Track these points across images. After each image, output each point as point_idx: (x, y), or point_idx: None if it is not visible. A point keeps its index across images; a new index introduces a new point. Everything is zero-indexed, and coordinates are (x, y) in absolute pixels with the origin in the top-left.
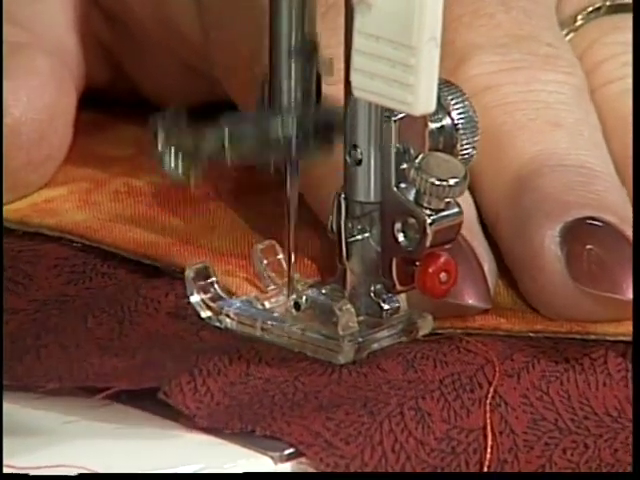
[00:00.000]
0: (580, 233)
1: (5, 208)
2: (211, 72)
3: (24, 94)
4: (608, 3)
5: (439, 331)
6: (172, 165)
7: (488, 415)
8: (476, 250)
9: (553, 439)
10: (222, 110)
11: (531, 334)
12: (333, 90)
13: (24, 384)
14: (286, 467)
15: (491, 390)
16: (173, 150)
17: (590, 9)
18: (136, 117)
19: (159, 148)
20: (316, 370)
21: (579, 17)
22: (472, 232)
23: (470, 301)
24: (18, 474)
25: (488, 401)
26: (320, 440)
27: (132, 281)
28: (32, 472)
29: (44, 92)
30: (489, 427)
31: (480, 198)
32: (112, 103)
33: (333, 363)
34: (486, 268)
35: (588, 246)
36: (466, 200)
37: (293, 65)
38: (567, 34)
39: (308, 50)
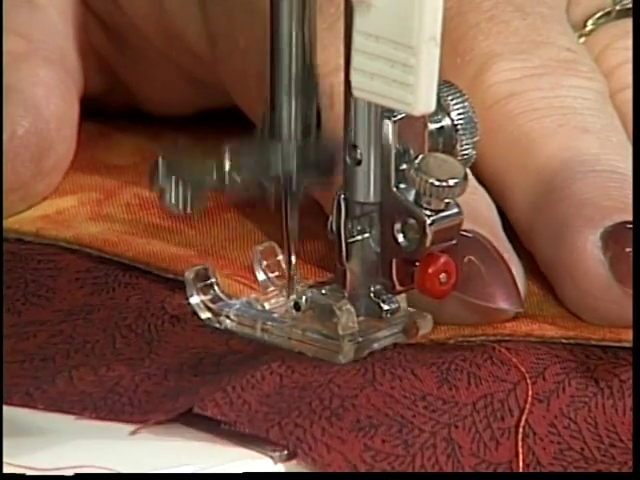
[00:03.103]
0: (621, 237)
1: (17, 219)
2: (218, 83)
3: (32, 105)
4: (618, 7)
5: (471, 339)
6: (172, 200)
7: (520, 448)
8: (504, 255)
9: (579, 469)
10: (222, 118)
11: (564, 340)
12: (333, 121)
13: (58, 408)
14: (286, 467)
15: (522, 420)
16: (174, 184)
17: (599, 14)
18: (135, 126)
19: (159, 182)
20: (349, 371)
21: (589, 22)
22: (498, 237)
23: (502, 304)
24: (18, 474)
25: (520, 437)
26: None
27: (156, 292)
28: (29, 472)
29: (50, 102)
30: (520, 462)
31: (509, 206)
32: (109, 113)
33: (365, 362)
34: (514, 272)
35: (627, 249)
36: (489, 206)
37: (293, 96)
38: (578, 38)
39: (308, 81)
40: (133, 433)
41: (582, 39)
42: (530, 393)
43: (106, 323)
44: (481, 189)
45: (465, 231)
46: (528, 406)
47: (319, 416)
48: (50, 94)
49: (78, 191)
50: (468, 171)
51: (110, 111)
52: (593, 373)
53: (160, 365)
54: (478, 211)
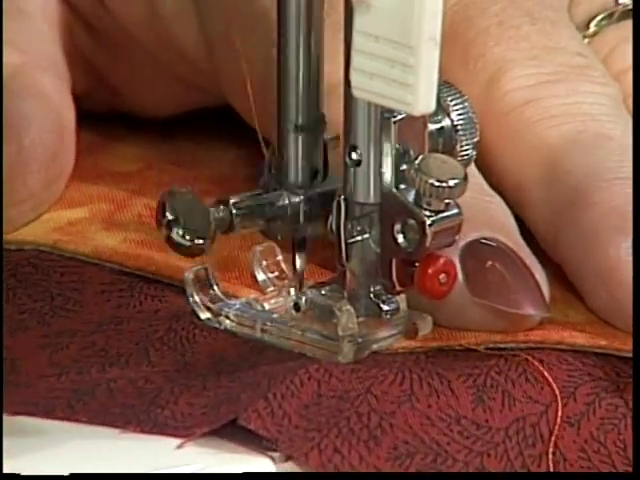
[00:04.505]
0: None
1: (31, 231)
2: (213, 86)
3: (34, 116)
4: (620, 8)
5: (502, 345)
6: (180, 243)
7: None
8: (526, 261)
9: None
10: (216, 118)
11: (596, 350)
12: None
13: (101, 422)
14: (286, 467)
15: (550, 446)
16: (179, 231)
17: (602, 15)
18: (132, 135)
19: (164, 228)
20: (387, 377)
21: (592, 24)
22: (518, 244)
23: (530, 310)
24: (18, 474)
25: (550, 464)
26: None
27: (184, 304)
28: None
29: (50, 111)
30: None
31: (529, 214)
32: (99, 118)
33: (402, 369)
34: (538, 278)
35: None
36: (506, 214)
37: (300, 140)
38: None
39: (315, 125)
40: (179, 447)
41: (586, 41)
42: (560, 414)
43: (137, 335)
44: (497, 197)
45: (486, 239)
46: (556, 431)
47: (357, 438)
48: (50, 103)
49: (87, 202)
50: (482, 179)
51: (92, 113)
52: (623, 393)
53: (197, 376)
54: (496, 218)
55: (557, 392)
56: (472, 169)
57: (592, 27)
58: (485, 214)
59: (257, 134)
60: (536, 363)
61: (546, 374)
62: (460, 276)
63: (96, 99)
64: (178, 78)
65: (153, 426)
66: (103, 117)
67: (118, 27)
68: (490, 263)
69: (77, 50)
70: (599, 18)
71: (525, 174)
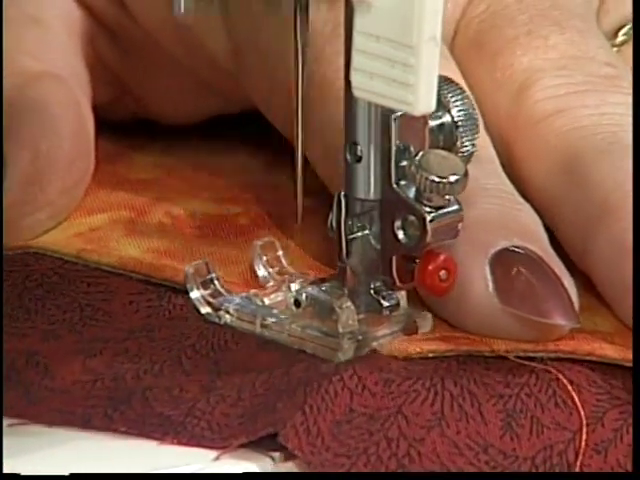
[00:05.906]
0: None
1: (52, 240)
2: (239, 91)
3: (50, 123)
4: None
5: (531, 354)
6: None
7: None
8: (555, 270)
9: None
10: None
11: (625, 364)
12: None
13: (140, 433)
14: (286, 467)
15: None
16: None
17: (630, 25)
18: (148, 143)
19: None
20: (419, 393)
21: (621, 33)
22: (547, 253)
23: (559, 320)
24: (18, 474)
25: None
26: None
27: None
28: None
29: (67, 119)
30: None
31: (559, 224)
32: (117, 126)
33: (435, 385)
34: (567, 287)
35: None
36: (536, 222)
37: None
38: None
39: None
40: (216, 459)
41: (614, 50)
42: (585, 440)
43: (170, 343)
44: (527, 205)
45: (516, 247)
46: (583, 459)
47: (385, 467)
48: (66, 111)
49: (107, 209)
50: (512, 188)
51: (116, 121)
52: None
53: (232, 385)
54: (526, 227)
55: (584, 421)
56: (502, 177)
57: (621, 36)
58: (515, 222)
59: (276, 139)
60: (566, 382)
61: (576, 398)
62: (490, 285)
63: (120, 108)
64: (201, 84)
65: (190, 438)
66: (121, 126)
67: (142, 33)
68: (520, 272)
69: (100, 59)
70: (628, 27)
71: (555, 184)
